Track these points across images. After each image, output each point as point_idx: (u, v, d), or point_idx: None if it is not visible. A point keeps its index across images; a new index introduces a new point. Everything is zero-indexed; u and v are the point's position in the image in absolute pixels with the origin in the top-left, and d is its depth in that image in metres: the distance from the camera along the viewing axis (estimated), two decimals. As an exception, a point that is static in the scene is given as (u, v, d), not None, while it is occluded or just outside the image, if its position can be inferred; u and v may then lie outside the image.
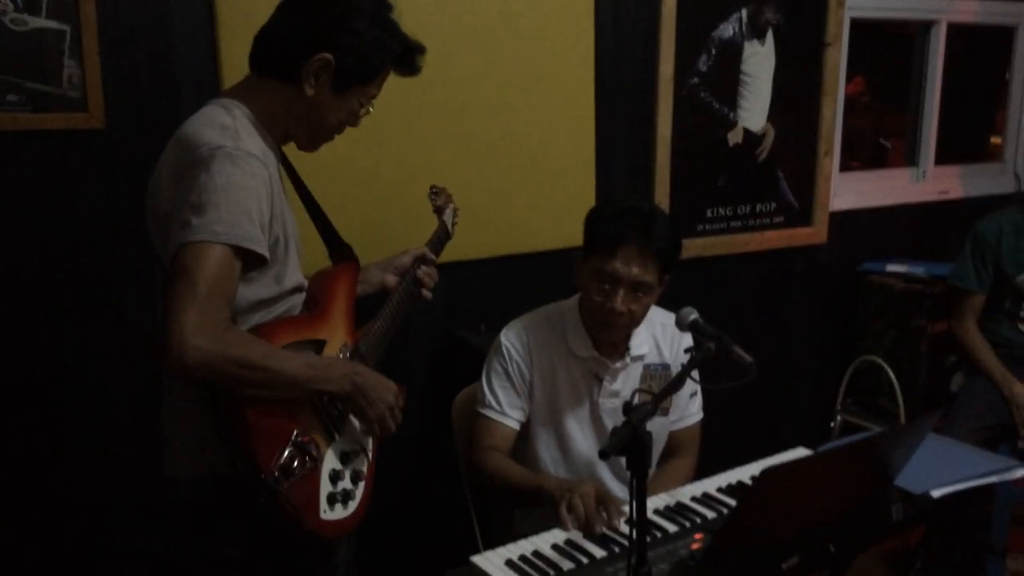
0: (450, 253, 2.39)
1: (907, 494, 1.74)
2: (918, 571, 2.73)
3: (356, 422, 1.61)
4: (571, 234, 1.98)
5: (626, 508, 1.64)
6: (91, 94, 2.08)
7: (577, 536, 1.64)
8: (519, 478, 1.89)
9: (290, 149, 1.68)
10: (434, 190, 2.06)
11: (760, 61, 2.97)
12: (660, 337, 2.05)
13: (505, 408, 1.99)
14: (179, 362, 1.32)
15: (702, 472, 1.96)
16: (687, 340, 1.99)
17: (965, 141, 3.92)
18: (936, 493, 1.74)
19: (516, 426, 2.00)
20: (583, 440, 2.02)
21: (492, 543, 1.61)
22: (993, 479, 1.83)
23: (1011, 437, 2.69)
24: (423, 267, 1.92)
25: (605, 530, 1.66)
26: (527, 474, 1.90)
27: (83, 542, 2.25)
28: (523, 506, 2.01)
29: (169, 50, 2.15)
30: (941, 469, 1.79)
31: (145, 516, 2.22)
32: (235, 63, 2.11)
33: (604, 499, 1.71)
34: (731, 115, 2.95)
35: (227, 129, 1.45)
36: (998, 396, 2.73)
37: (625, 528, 1.63)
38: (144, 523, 2.22)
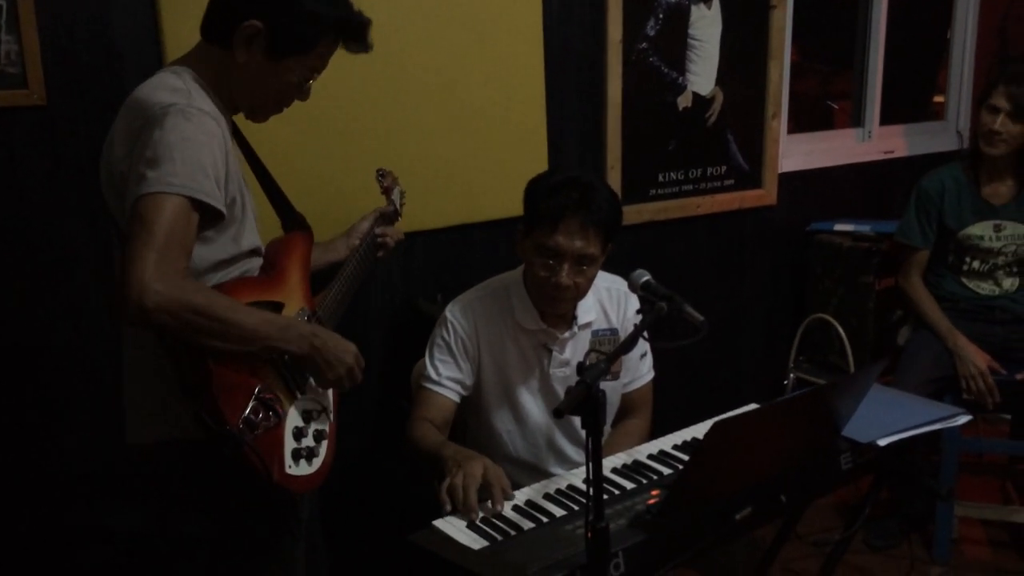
0: (406, 223, 2.39)
1: (855, 444, 1.79)
2: (867, 519, 2.82)
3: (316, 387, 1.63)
4: (524, 202, 2.02)
5: (515, 492, 1.65)
6: (30, 70, 2.03)
7: (536, 496, 1.67)
8: (429, 443, 1.88)
9: (241, 122, 1.67)
10: (381, 172, 2.11)
11: (707, 25, 2.99)
12: (606, 302, 2.08)
13: (443, 380, 2.00)
14: (138, 307, 1.32)
15: (659, 431, 2.00)
16: (634, 303, 2.02)
17: (909, 101, 4.00)
18: (883, 442, 1.79)
19: (455, 398, 2.01)
20: (537, 411, 2.05)
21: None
22: (937, 426, 1.90)
23: (956, 389, 2.77)
24: (382, 227, 1.97)
25: (557, 484, 1.67)
26: (435, 442, 1.88)
27: (46, 522, 2.23)
28: (434, 473, 2.00)
29: (109, 24, 2.11)
30: (887, 419, 1.85)
31: (110, 492, 2.21)
32: (177, 35, 2.08)
33: (490, 481, 1.65)
34: (680, 79, 2.97)
35: (178, 90, 1.47)
36: (943, 349, 2.81)
37: (581, 485, 1.66)
38: (110, 500, 2.21)
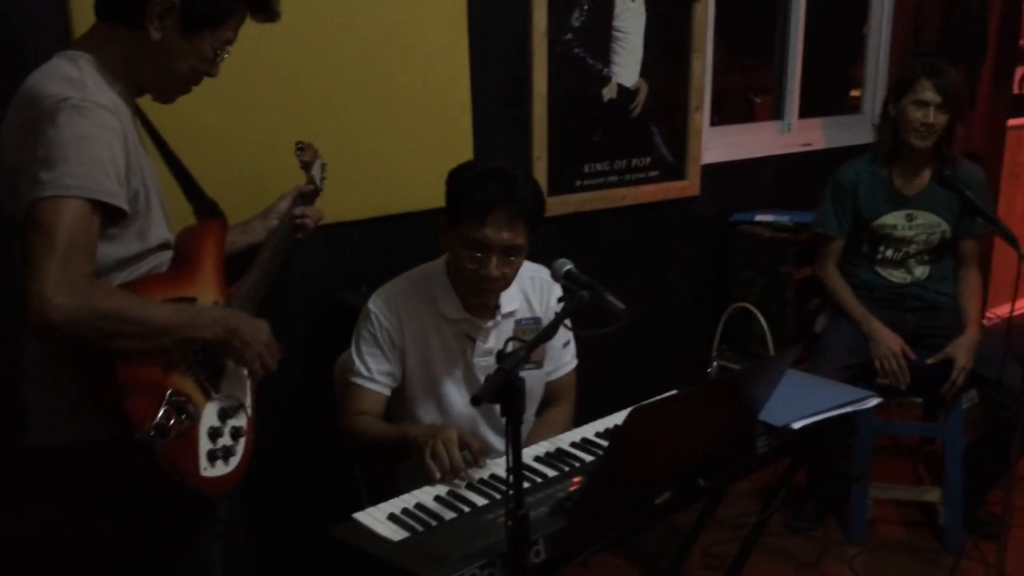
0: (329, 214, 2.35)
1: (771, 427, 1.83)
2: (786, 502, 2.90)
3: (236, 378, 1.60)
4: (449, 192, 2.01)
5: (494, 446, 1.68)
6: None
7: (458, 487, 1.67)
8: (385, 432, 1.91)
9: (148, 104, 1.62)
10: (300, 146, 2.04)
11: (632, 17, 3.02)
12: (529, 291, 2.09)
13: (374, 374, 1.99)
14: (42, 322, 1.28)
15: (586, 419, 2.01)
16: (557, 292, 2.04)
17: (826, 94, 4.10)
18: (797, 425, 1.84)
19: (386, 391, 2.01)
20: (460, 400, 2.05)
21: (378, 502, 1.62)
22: (849, 409, 1.96)
23: (871, 376, 2.86)
24: (301, 208, 1.91)
25: (470, 475, 1.69)
26: (392, 427, 1.92)
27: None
28: (394, 460, 2.02)
29: (13, 1, 2.02)
30: (801, 402, 1.90)
31: (11, 496, 2.13)
32: (87, 13, 2.00)
33: (467, 441, 1.73)
34: (605, 71, 3.00)
35: (72, 80, 1.40)
36: (859, 336, 2.90)
37: (502, 473, 1.67)
38: (11, 504, 2.13)
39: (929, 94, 2.77)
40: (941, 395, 2.83)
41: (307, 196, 1.97)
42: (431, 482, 1.68)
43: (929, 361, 2.83)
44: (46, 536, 1.65)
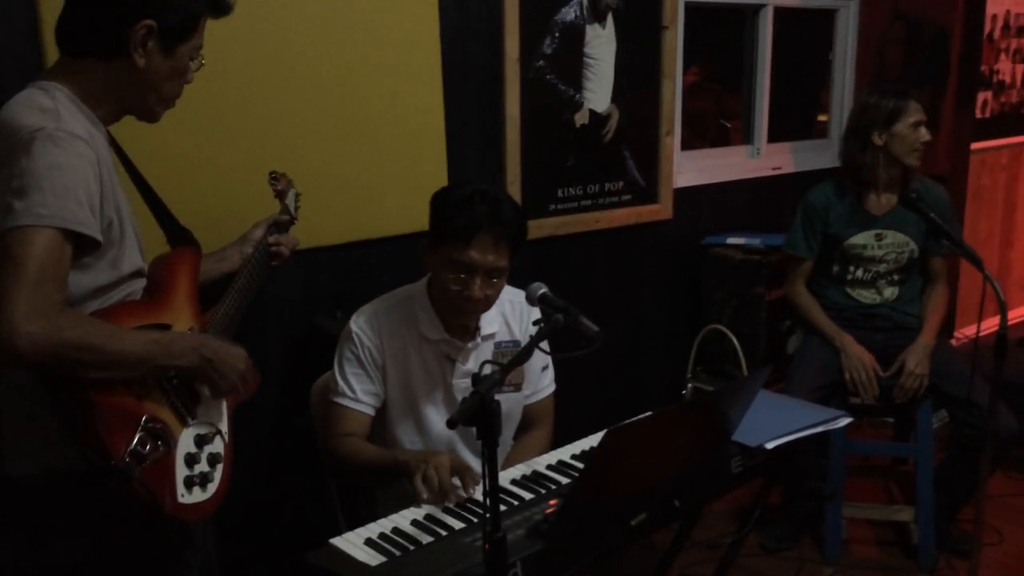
0: (304, 240, 2.36)
1: (744, 447, 1.85)
2: (761, 522, 2.91)
3: (212, 403, 1.59)
4: (425, 217, 2.01)
5: (413, 507, 1.68)
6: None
7: (436, 511, 1.67)
8: (375, 456, 1.91)
9: (118, 131, 1.62)
10: (273, 175, 2.05)
11: (602, 44, 3.06)
12: (509, 314, 2.10)
13: (359, 395, 1.99)
14: (11, 351, 1.27)
15: (562, 442, 2.02)
16: (536, 315, 2.06)
17: (794, 119, 4.18)
18: (770, 445, 1.86)
19: (371, 412, 2.01)
20: (440, 422, 2.05)
21: (355, 526, 1.62)
22: (821, 428, 1.98)
23: (842, 395, 2.90)
24: (275, 236, 1.92)
25: (460, 500, 1.70)
26: (382, 451, 1.93)
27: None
28: (382, 484, 2.02)
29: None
30: (774, 422, 1.92)
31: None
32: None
33: (458, 468, 1.75)
34: (577, 97, 3.03)
35: (47, 111, 1.40)
36: (831, 355, 2.94)
37: (480, 496, 1.67)
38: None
39: (920, 114, 2.88)
40: (899, 404, 2.88)
41: (282, 225, 1.98)
42: (410, 506, 1.68)
43: (886, 373, 2.87)
44: (18, 566, 1.61)
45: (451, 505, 1.68)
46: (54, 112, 1.40)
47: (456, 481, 1.73)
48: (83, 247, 1.40)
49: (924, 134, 2.89)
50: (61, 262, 1.35)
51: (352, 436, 1.98)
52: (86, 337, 1.34)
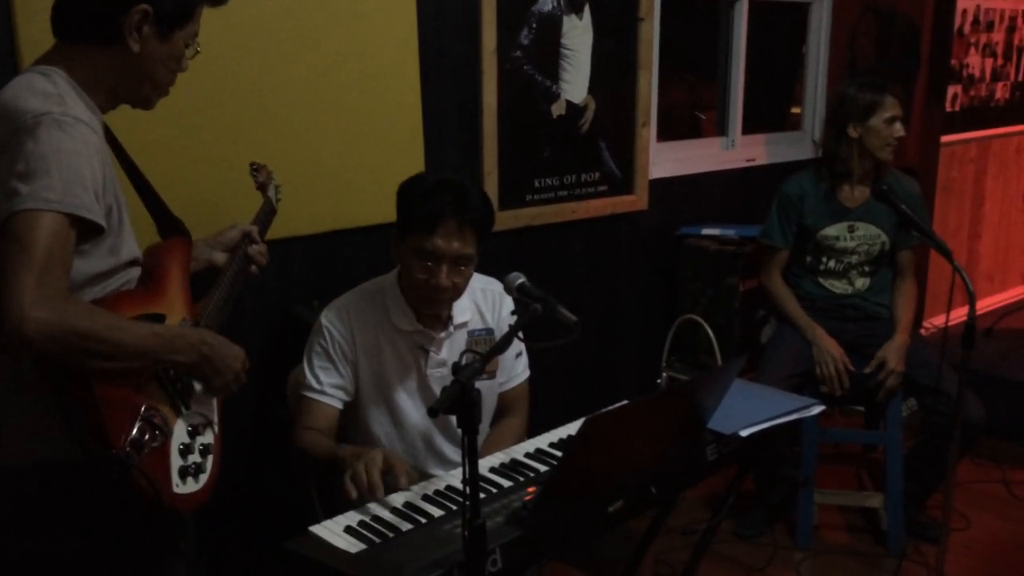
0: (282, 229, 2.36)
1: (719, 435, 1.88)
2: (735, 509, 2.95)
3: (204, 394, 1.59)
4: (402, 206, 2.03)
5: (393, 494, 1.68)
6: None
7: (415, 498, 1.68)
8: (324, 451, 1.90)
9: (111, 121, 1.61)
10: (254, 167, 2.05)
11: (579, 35, 3.08)
12: (481, 303, 2.11)
13: (325, 388, 2.00)
14: (19, 336, 1.26)
15: (539, 430, 2.04)
16: (509, 304, 2.07)
17: (769, 112, 4.21)
18: (744, 433, 1.89)
19: (338, 405, 2.02)
20: (415, 412, 2.06)
21: (333, 515, 1.63)
22: (794, 416, 2.02)
23: (814, 384, 2.94)
24: (253, 246, 1.90)
25: (435, 485, 1.70)
26: (330, 446, 1.91)
27: None
28: (332, 477, 2.02)
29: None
30: (748, 411, 1.95)
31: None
32: (35, 35, 1.98)
33: (391, 463, 1.73)
34: (553, 88, 3.05)
35: (50, 95, 1.39)
36: (803, 344, 2.98)
37: (458, 484, 1.68)
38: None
39: (896, 110, 2.91)
40: (877, 401, 2.93)
41: (264, 219, 1.97)
42: (389, 495, 1.69)
43: (867, 370, 2.92)
44: (11, 558, 1.60)
45: (378, 499, 1.66)
46: (57, 97, 1.39)
47: (390, 480, 1.71)
48: (85, 233, 1.40)
49: (898, 129, 2.92)
50: (67, 248, 1.34)
51: (312, 430, 1.97)
52: (92, 326, 1.34)
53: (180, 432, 1.52)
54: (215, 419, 1.63)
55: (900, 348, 2.91)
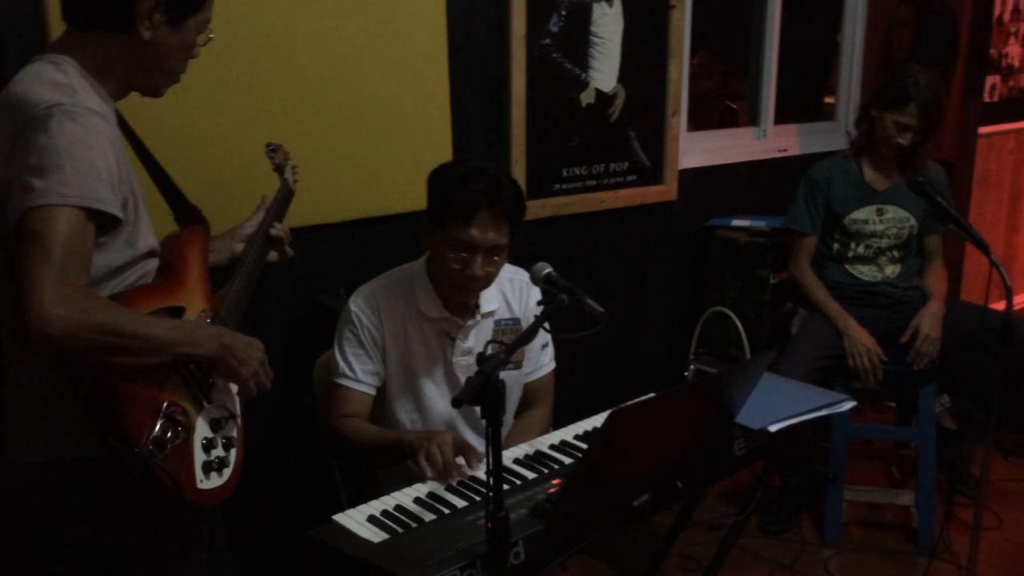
0: (309, 217, 2.36)
1: (747, 430, 1.85)
2: (761, 504, 2.92)
3: (224, 387, 1.58)
4: (428, 195, 2.01)
5: (416, 484, 1.68)
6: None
7: (438, 488, 1.67)
8: (377, 437, 1.92)
9: (125, 108, 1.61)
10: (271, 147, 2.01)
11: (609, 23, 3.04)
12: (508, 292, 2.10)
13: (359, 375, 2.00)
14: (42, 336, 1.25)
15: (564, 422, 2.02)
16: (536, 294, 2.06)
17: (802, 101, 4.15)
18: (773, 427, 1.86)
19: (372, 391, 2.02)
20: (440, 399, 2.05)
21: (357, 505, 1.62)
22: (824, 412, 1.98)
23: (844, 377, 2.90)
24: (275, 226, 1.87)
25: (464, 478, 1.70)
26: (386, 432, 1.93)
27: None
28: (386, 464, 2.03)
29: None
30: (777, 405, 1.92)
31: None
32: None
33: (461, 446, 1.75)
34: (583, 76, 3.01)
35: (60, 85, 1.37)
36: (832, 333, 2.93)
37: (482, 475, 1.67)
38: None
39: (913, 120, 2.86)
40: (906, 384, 2.89)
41: (283, 200, 1.94)
42: (413, 485, 1.68)
43: (902, 339, 2.88)
44: (26, 551, 1.60)
45: (453, 483, 1.68)
46: (68, 87, 1.38)
47: (460, 459, 1.74)
48: (103, 226, 1.38)
49: (903, 137, 2.89)
50: (85, 242, 1.33)
51: (354, 417, 1.98)
52: (113, 321, 1.32)
53: (203, 427, 1.50)
54: (237, 412, 1.62)
55: (935, 314, 2.89)
